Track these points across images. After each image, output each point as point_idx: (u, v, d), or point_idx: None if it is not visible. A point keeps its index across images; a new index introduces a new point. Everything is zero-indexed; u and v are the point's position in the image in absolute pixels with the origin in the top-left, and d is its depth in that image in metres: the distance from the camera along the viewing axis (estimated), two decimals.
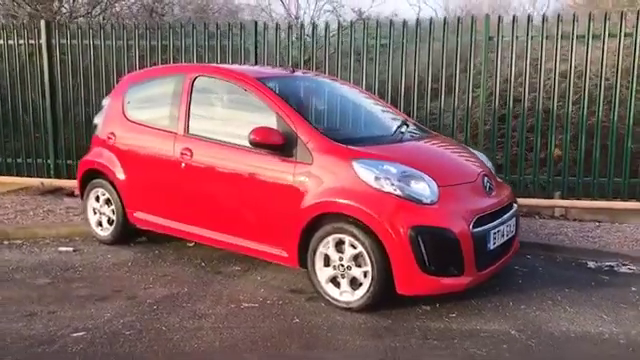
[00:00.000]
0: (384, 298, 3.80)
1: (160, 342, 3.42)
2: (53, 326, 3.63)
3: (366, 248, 3.72)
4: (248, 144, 4.20)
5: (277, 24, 7.58)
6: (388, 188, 3.73)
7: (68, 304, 4.00)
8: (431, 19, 7.07)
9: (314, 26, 7.43)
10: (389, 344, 3.41)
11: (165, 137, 4.80)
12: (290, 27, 7.57)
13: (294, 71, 5.65)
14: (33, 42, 7.77)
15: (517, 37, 6.78)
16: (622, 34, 6.52)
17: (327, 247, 3.92)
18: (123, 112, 5.23)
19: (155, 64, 7.20)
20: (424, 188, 3.77)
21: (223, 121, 4.70)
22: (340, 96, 5.53)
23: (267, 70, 5.87)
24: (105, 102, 5.51)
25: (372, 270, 3.72)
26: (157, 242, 5.42)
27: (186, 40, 7.45)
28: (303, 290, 4.27)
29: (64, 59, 7.76)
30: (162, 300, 4.08)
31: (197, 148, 4.57)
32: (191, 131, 4.67)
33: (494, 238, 3.94)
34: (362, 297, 3.80)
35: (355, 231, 3.75)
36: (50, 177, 7.85)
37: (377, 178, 3.77)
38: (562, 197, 6.74)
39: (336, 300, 3.92)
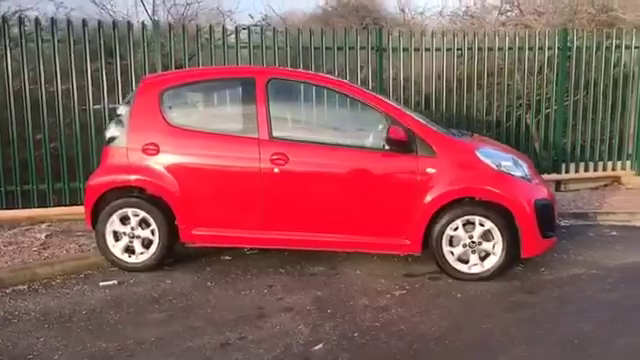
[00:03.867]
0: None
1: (396, 335, 3.56)
2: (262, 348, 3.40)
3: (497, 224, 4.38)
4: (357, 144, 4.42)
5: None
6: (509, 171, 4.46)
7: (235, 328, 3.68)
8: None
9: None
10: (529, 292, 4.21)
11: (244, 143, 4.55)
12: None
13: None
14: None
15: None
16: None
17: (454, 229, 4.44)
18: (164, 119, 4.67)
19: None
20: (526, 169, 4.62)
21: (317, 124, 4.72)
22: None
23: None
24: (124, 110, 4.78)
25: (503, 242, 4.40)
26: (187, 260, 5.00)
27: None
28: (415, 273, 4.67)
29: None
30: (320, 305, 4.04)
31: (294, 152, 4.49)
32: (277, 135, 4.56)
33: None
34: (492, 267, 4.45)
35: (486, 211, 4.38)
36: None
37: (498, 164, 4.47)
38: None
39: (466, 274, 4.46)
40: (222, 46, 6.74)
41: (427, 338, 3.51)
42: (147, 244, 4.74)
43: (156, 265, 4.74)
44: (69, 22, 6.33)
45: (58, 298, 4.22)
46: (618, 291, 4.28)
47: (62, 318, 3.85)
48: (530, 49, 8.30)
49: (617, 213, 6.58)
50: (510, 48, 8.25)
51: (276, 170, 4.49)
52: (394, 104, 4.70)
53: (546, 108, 8.47)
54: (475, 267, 4.47)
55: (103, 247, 4.76)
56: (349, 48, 7.72)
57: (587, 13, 10.29)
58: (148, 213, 4.67)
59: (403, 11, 12.21)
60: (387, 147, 4.41)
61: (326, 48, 7.53)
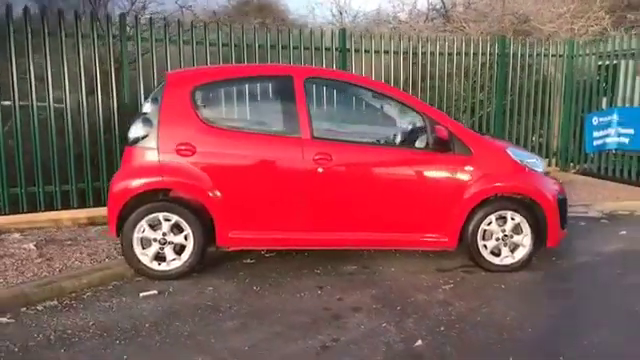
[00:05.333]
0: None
1: (479, 326, 3.72)
2: (365, 348, 3.40)
3: (526, 218, 4.69)
4: (397, 144, 4.52)
5: None
6: (534, 168, 4.80)
7: (320, 330, 3.63)
8: None
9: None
10: (561, 279, 4.61)
11: (286, 143, 4.46)
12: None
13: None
14: None
15: None
16: None
17: (488, 224, 4.68)
18: (199, 118, 4.43)
19: None
20: (544, 166, 4.99)
21: (354, 123, 4.72)
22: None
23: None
24: (151, 108, 4.45)
25: (531, 234, 4.71)
26: (209, 267, 4.75)
27: None
28: (445, 268, 4.85)
29: None
30: (385, 303, 4.09)
31: (337, 152, 4.48)
32: (318, 134, 4.51)
33: None
34: (521, 259, 4.75)
35: (516, 205, 4.68)
36: None
37: (525, 162, 4.78)
38: None
39: (498, 266, 4.73)
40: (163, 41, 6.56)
41: (508, 327, 3.68)
42: (179, 250, 4.48)
43: (188, 272, 4.50)
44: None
45: (104, 312, 3.86)
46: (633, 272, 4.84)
47: (128, 333, 3.54)
48: (467, 54, 8.93)
49: (575, 205, 7.25)
50: (458, 53, 8.82)
51: (320, 170, 4.45)
52: (429, 105, 4.84)
53: (483, 109, 9.16)
54: (507, 259, 4.74)
55: (130, 256, 4.42)
56: (315, 48, 7.82)
57: (510, 23, 11.17)
58: (182, 217, 4.41)
59: (341, 14, 12.41)
60: (429, 146, 4.55)
61: (293, 47, 7.59)
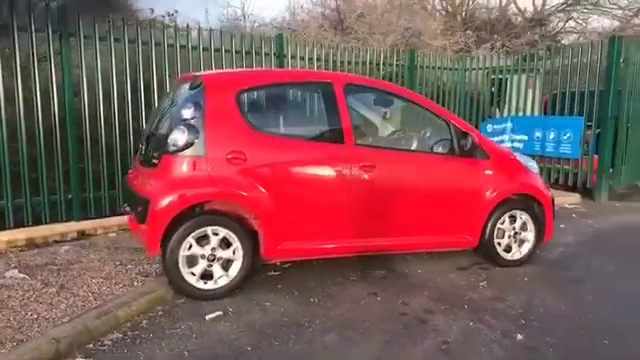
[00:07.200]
0: None
1: (556, 318, 4.06)
2: (483, 346, 3.56)
3: (531, 216, 5.18)
4: (430, 150, 4.75)
5: None
6: (533, 170, 5.30)
7: (422, 335, 3.68)
8: None
9: None
10: (566, 268, 5.20)
11: (333, 151, 4.39)
12: None
13: None
14: None
15: None
16: None
17: (502, 223, 5.08)
18: (247, 125, 4.15)
19: None
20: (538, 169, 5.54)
21: (390, 130, 4.77)
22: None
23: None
24: (193, 113, 4.04)
25: (535, 230, 5.21)
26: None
27: None
28: (464, 266, 5.14)
29: None
30: (447, 304, 4.24)
31: (379, 159, 4.52)
32: (359, 142, 4.52)
33: None
34: (527, 253, 5.21)
35: (524, 205, 5.14)
36: None
37: (528, 165, 5.26)
38: None
39: (509, 261, 5.14)
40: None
41: (574, 316, 4.01)
42: (225, 266, 4.17)
43: (234, 290, 4.20)
44: None
45: (185, 340, 3.47)
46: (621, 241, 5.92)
47: (241, 357, 3.25)
48: (379, 64, 9.47)
49: None
50: (370, 63, 9.31)
51: (365, 177, 4.47)
52: (453, 114, 5.09)
53: None
54: (516, 254, 5.17)
55: (175, 275, 4.02)
56: (256, 53, 7.71)
57: (403, 37, 11.98)
58: (231, 230, 4.12)
59: (244, 17, 12.19)
60: (456, 153, 4.80)
61: (236, 52, 7.41)
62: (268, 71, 5.55)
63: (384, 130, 5.14)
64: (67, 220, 6.07)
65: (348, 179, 4.41)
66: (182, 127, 4.05)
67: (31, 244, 5.48)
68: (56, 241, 5.62)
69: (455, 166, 4.84)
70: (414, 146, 4.84)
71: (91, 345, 3.32)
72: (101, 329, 3.45)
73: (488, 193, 4.92)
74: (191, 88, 4.23)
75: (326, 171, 4.38)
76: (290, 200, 4.26)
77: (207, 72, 4.75)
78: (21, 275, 4.33)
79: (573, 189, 8.99)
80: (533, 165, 5.39)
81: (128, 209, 4.72)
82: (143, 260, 4.82)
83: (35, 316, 3.55)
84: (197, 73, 4.71)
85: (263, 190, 4.15)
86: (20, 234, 5.59)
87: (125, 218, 6.09)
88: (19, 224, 5.73)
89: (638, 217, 7.59)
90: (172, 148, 4.03)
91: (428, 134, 4.92)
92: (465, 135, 4.76)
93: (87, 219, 6.17)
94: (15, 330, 3.32)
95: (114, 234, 5.89)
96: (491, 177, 4.95)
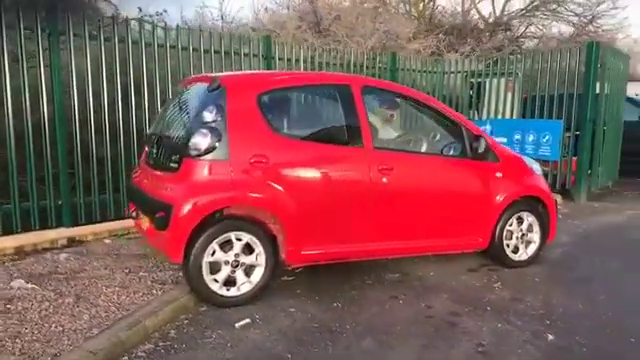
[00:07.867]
0: None
1: (579, 317, 4.13)
2: (515, 350, 3.59)
3: (536, 217, 5.27)
4: (446, 153, 4.78)
5: None
6: (538, 172, 5.40)
7: (452, 338, 3.69)
8: None
9: None
10: (571, 267, 5.31)
11: (353, 154, 4.35)
12: None
13: None
14: None
15: None
16: None
17: (510, 224, 5.15)
18: (269, 128, 4.06)
19: None
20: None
21: (405, 133, 4.76)
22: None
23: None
24: (214, 116, 3.91)
25: (540, 231, 5.30)
26: None
27: None
28: (474, 267, 5.18)
29: None
30: (471, 306, 4.26)
31: (397, 162, 4.51)
32: (378, 145, 4.50)
33: None
34: (533, 254, 5.30)
35: (530, 207, 5.23)
36: None
37: (533, 168, 5.35)
38: None
39: (517, 262, 5.21)
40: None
41: (593, 316, 4.08)
42: (248, 272, 4.07)
43: (256, 296, 4.11)
44: None
45: (222, 349, 3.37)
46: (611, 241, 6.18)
47: None
48: (362, 66, 9.45)
49: None
50: (354, 64, 9.31)
51: (384, 180, 4.44)
52: (466, 117, 5.12)
53: None
54: (522, 255, 5.25)
55: (198, 283, 3.90)
56: (244, 54, 7.61)
57: (381, 40, 12.03)
58: (255, 235, 4.03)
59: (222, 17, 11.99)
60: (469, 155, 4.83)
61: (225, 53, 7.32)
62: (286, 73, 5.47)
63: (398, 133, 5.13)
64: (57, 226, 5.83)
65: (368, 182, 4.37)
66: (204, 130, 3.93)
67: (20, 252, 5.23)
68: (45, 248, 5.38)
69: (468, 169, 4.87)
70: (427, 149, 4.84)
71: (125, 358, 3.18)
72: (133, 340, 3.31)
73: (499, 195, 4.98)
74: (210, 90, 4.11)
75: (347, 174, 4.34)
76: (312, 204, 4.20)
77: (223, 74, 4.60)
78: (29, 285, 4.12)
79: (551, 190, 9.21)
80: (537, 167, 5.48)
81: (135, 214, 4.58)
82: (153, 267, 4.66)
83: (60, 328, 3.37)
84: (211, 75, 4.59)
85: (286, 194, 4.07)
86: (8, 242, 5.33)
87: (121, 223, 5.97)
88: (7, 231, 5.46)
89: (619, 217, 7.82)
90: (194, 152, 3.90)
91: (440, 137, 4.93)
92: (477, 138, 4.80)
93: (77, 225, 5.94)
94: (44, 344, 3.14)
95: (108, 240, 5.68)
96: (501, 179, 5.00)
